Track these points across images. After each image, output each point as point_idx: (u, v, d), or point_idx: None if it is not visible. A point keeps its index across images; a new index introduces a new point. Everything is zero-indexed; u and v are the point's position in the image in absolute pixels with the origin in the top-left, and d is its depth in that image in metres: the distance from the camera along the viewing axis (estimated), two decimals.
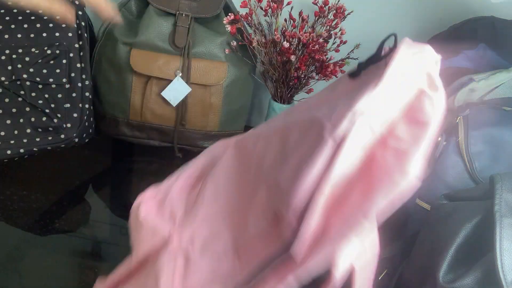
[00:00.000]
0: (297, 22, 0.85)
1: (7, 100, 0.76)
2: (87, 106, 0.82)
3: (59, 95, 0.79)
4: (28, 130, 0.77)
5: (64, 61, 0.80)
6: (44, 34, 0.80)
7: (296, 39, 0.83)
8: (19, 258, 0.67)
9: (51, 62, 0.79)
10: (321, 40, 0.83)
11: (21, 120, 0.77)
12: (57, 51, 0.79)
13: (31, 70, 0.77)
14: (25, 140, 0.77)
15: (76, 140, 0.80)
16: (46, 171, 0.83)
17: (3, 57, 0.77)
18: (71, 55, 0.81)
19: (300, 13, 0.85)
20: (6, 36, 0.78)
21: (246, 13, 0.84)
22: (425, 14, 0.89)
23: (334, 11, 0.83)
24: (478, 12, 0.85)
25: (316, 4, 0.84)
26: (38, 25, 0.80)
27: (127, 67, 0.83)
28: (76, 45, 0.82)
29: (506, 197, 0.52)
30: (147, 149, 0.90)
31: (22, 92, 0.76)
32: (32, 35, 0.79)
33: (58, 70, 0.79)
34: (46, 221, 0.73)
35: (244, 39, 0.85)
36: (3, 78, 0.76)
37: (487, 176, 0.58)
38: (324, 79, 0.87)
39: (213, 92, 0.87)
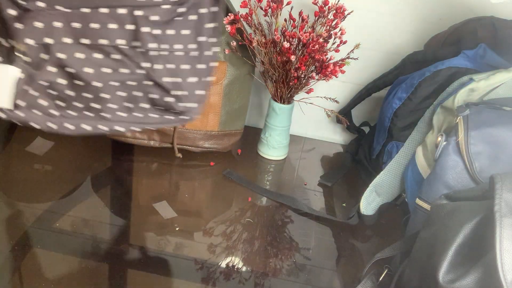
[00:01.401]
0: (297, 22, 0.85)
1: (125, 70, 0.59)
2: (211, 79, 0.66)
3: (184, 66, 0.62)
4: (144, 105, 0.62)
5: (192, 17, 0.61)
6: None
7: (296, 39, 0.83)
8: (19, 258, 0.67)
9: (178, 19, 0.59)
10: (321, 40, 0.83)
11: (136, 94, 0.61)
12: (190, 4, 0.60)
13: (157, 32, 0.58)
14: (137, 114, 0.62)
15: (196, 117, 0.66)
16: (46, 171, 0.83)
17: (121, 11, 0.56)
18: (203, 11, 0.61)
19: (300, 13, 0.85)
20: None
21: (246, 13, 0.84)
22: (425, 14, 0.89)
23: (334, 11, 0.83)
24: (478, 12, 0.85)
25: (316, 4, 0.84)
26: None
27: None
28: None
29: (506, 197, 0.52)
30: (147, 149, 0.91)
31: (145, 65, 0.59)
32: None
33: (185, 32, 0.60)
34: (46, 221, 0.73)
35: (244, 39, 0.85)
36: (119, 41, 0.57)
37: (487, 176, 0.58)
38: (324, 79, 0.87)
39: (213, 91, 0.87)
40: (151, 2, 0.56)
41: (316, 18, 0.84)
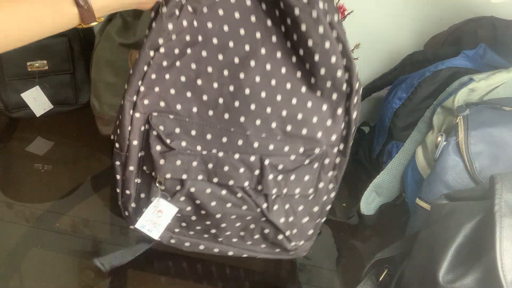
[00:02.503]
0: None
1: (244, 207, 0.62)
2: (323, 220, 0.67)
3: (300, 208, 0.64)
4: (256, 236, 0.65)
5: (315, 166, 0.62)
6: (304, 131, 0.60)
7: None
8: (19, 258, 0.67)
9: (302, 167, 0.61)
10: None
11: (252, 226, 0.65)
12: (314, 157, 0.61)
13: (279, 178, 0.61)
14: (249, 243, 0.66)
15: (304, 254, 0.68)
16: (46, 171, 0.83)
17: (252, 158, 0.60)
18: (326, 161, 0.62)
19: None
20: (258, 122, 0.59)
21: None
22: (425, 14, 0.89)
23: None
24: (478, 12, 0.85)
25: None
26: (299, 116, 0.60)
27: (126, 68, 0.83)
28: (336, 149, 0.62)
29: (506, 197, 0.52)
30: None
31: (264, 205, 0.61)
32: (289, 128, 0.60)
33: (306, 178, 0.62)
34: (46, 221, 0.73)
35: None
36: (246, 184, 0.61)
37: (487, 176, 0.58)
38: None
39: None
40: (281, 153, 0.60)
41: None
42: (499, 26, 0.77)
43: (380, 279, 0.66)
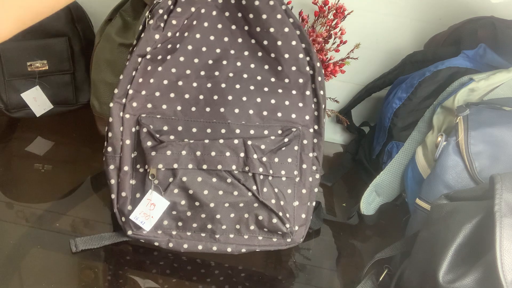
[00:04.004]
0: None
1: (235, 193, 0.65)
2: (313, 204, 0.70)
3: (289, 191, 0.67)
4: (252, 227, 0.67)
5: (295, 147, 0.68)
6: (279, 114, 0.67)
7: None
8: (19, 258, 0.67)
9: (283, 149, 0.67)
10: (321, 40, 0.83)
11: (246, 216, 0.67)
12: (292, 137, 0.67)
13: (264, 159, 0.66)
14: (246, 236, 0.67)
15: (301, 240, 0.69)
16: (46, 171, 0.83)
17: (236, 141, 0.65)
18: (305, 142, 0.68)
19: (300, 13, 0.85)
20: (236, 111, 0.66)
21: None
22: (425, 14, 0.89)
23: (334, 11, 0.83)
24: (478, 12, 0.85)
25: (316, 4, 0.84)
26: (272, 101, 0.67)
27: None
28: (311, 130, 0.69)
29: (506, 197, 0.52)
30: None
31: (254, 187, 0.65)
32: (265, 113, 0.67)
33: (289, 160, 0.67)
34: (46, 221, 0.73)
35: None
36: (233, 167, 0.65)
37: (487, 176, 0.58)
38: (324, 79, 0.87)
39: None
40: (261, 135, 0.66)
41: (316, 18, 0.84)
42: (499, 26, 0.77)
43: (380, 279, 0.66)
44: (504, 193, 0.52)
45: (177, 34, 0.66)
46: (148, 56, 0.64)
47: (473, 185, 0.65)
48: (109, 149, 0.65)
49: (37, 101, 0.91)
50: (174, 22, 0.64)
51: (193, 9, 0.66)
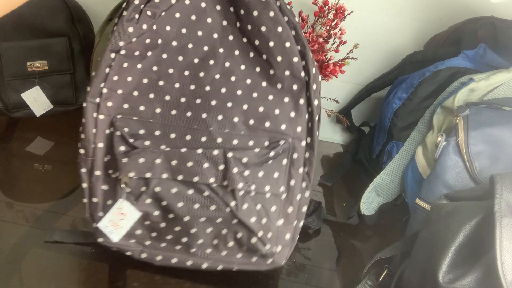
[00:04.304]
0: None
1: (213, 207, 0.59)
2: (301, 224, 0.64)
3: (273, 208, 0.61)
4: (230, 244, 0.61)
5: (284, 161, 0.61)
6: (267, 124, 0.60)
7: None
8: (19, 258, 0.67)
9: (269, 162, 0.60)
10: (321, 40, 0.83)
11: (224, 231, 0.61)
12: (280, 150, 0.60)
13: (246, 173, 0.59)
14: (223, 253, 0.62)
15: (283, 262, 0.63)
16: (46, 171, 0.83)
17: (215, 152, 0.59)
18: (295, 156, 0.61)
19: (300, 13, 0.85)
20: (220, 117, 0.60)
21: None
22: (425, 14, 0.89)
23: (334, 11, 0.83)
24: (478, 12, 0.85)
25: (316, 4, 0.84)
26: (261, 108, 0.61)
27: None
28: (303, 143, 0.62)
29: (506, 197, 0.52)
30: None
31: (233, 203, 0.59)
32: (251, 121, 0.60)
33: (276, 174, 0.60)
34: (46, 221, 0.73)
35: None
36: (211, 180, 0.59)
37: (487, 176, 0.58)
38: (324, 79, 0.87)
39: None
40: (245, 146, 0.60)
41: (316, 18, 0.84)
42: (499, 26, 0.77)
43: (380, 279, 0.66)
44: (504, 193, 0.52)
45: (155, 28, 0.60)
46: (123, 52, 0.59)
47: (473, 185, 0.65)
48: (82, 151, 0.61)
49: (37, 101, 0.91)
50: (149, 13, 0.59)
51: (173, 1, 0.60)
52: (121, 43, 0.59)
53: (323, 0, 0.83)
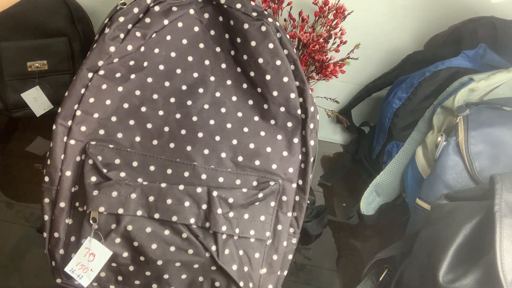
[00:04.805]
0: (297, 22, 0.85)
1: (190, 251, 0.54)
2: (285, 273, 0.59)
3: (256, 255, 0.56)
4: None
5: (272, 204, 0.56)
6: (257, 162, 0.56)
7: (296, 39, 0.83)
8: (19, 258, 0.67)
9: (256, 203, 0.56)
10: (321, 40, 0.83)
11: (201, 279, 0.56)
12: (269, 192, 0.56)
13: (231, 215, 0.54)
14: None
15: None
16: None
17: (199, 190, 0.53)
18: (284, 198, 0.57)
19: (300, 13, 0.85)
20: (206, 152, 0.55)
21: None
22: (425, 14, 0.89)
23: (334, 11, 0.83)
24: (478, 12, 0.85)
25: (316, 4, 0.84)
26: (251, 145, 0.56)
27: None
28: (294, 185, 0.58)
29: (506, 197, 0.52)
30: None
31: (213, 248, 0.53)
32: (240, 158, 0.56)
33: (262, 218, 0.56)
34: None
35: None
36: (192, 220, 0.53)
37: (487, 176, 0.58)
38: (324, 79, 0.87)
39: None
40: (232, 185, 0.55)
41: (316, 18, 0.84)
42: (499, 26, 0.77)
43: (380, 279, 0.66)
44: (504, 193, 0.52)
45: (143, 50, 0.55)
46: (102, 72, 0.53)
47: (473, 185, 0.65)
48: (46, 179, 0.55)
49: (37, 101, 0.91)
50: (138, 34, 0.54)
51: (166, 22, 0.55)
52: (100, 63, 0.53)
53: (323, 0, 0.83)
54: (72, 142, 0.54)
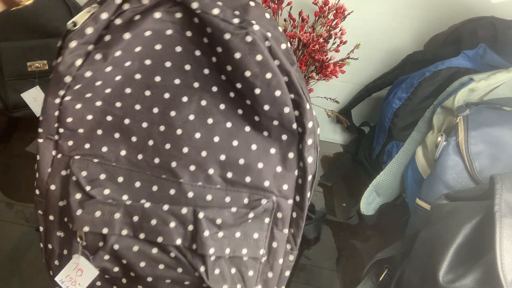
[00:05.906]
0: (297, 22, 0.85)
1: (180, 270, 0.52)
2: None
3: (250, 273, 0.53)
4: None
5: (266, 220, 0.52)
6: (248, 179, 0.52)
7: (296, 39, 0.83)
8: (19, 258, 0.67)
9: (249, 221, 0.52)
10: (321, 40, 0.83)
11: None
12: (261, 211, 0.52)
13: (220, 235, 0.51)
14: None
15: None
16: None
17: (184, 210, 0.50)
18: (279, 215, 0.53)
19: (300, 13, 0.85)
20: (192, 168, 0.51)
21: None
22: (425, 14, 0.89)
23: (334, 11, 0.83)
24: (478, 12, 0.85)
25: (316, 4, 0.84)
26: (241, 160, 0.51)
27: None
28: (290, 201, 0.53)
29: (506, 197, 0.52)
30: None
31: (202, 269, 0.51)
32: (229, 174, 0.51)
33: (256, 236, 0.52)
34: None
35: None
36: (178, 241, 0.50)
37: (487, 176, 0.58)
38: (324, 79, 0.87)
39: None
40: (222, 204, 0.51)
41: (316, 18, 0.84)
42: (499, 26, 0.77)
43: (380, 279, 0.66)
44: (504, 193, 0.52)
45: (108, 69, 0.49)
46: (68, 98, 0.49)
47: (473, 185, 0.65)
48: (37, 191, 0.53)
49: (37, 101, 0.91)
50: (98, 56, 0.48)
51: (128, 36, 0.48)
52: (61, 92, 0.49)
53: (323, 0, 0.83)
54: (59, 156, 0.52)
